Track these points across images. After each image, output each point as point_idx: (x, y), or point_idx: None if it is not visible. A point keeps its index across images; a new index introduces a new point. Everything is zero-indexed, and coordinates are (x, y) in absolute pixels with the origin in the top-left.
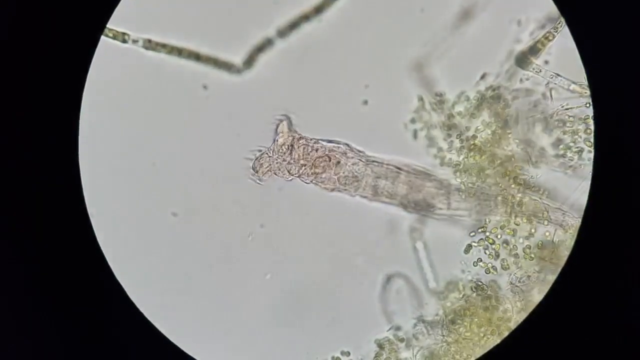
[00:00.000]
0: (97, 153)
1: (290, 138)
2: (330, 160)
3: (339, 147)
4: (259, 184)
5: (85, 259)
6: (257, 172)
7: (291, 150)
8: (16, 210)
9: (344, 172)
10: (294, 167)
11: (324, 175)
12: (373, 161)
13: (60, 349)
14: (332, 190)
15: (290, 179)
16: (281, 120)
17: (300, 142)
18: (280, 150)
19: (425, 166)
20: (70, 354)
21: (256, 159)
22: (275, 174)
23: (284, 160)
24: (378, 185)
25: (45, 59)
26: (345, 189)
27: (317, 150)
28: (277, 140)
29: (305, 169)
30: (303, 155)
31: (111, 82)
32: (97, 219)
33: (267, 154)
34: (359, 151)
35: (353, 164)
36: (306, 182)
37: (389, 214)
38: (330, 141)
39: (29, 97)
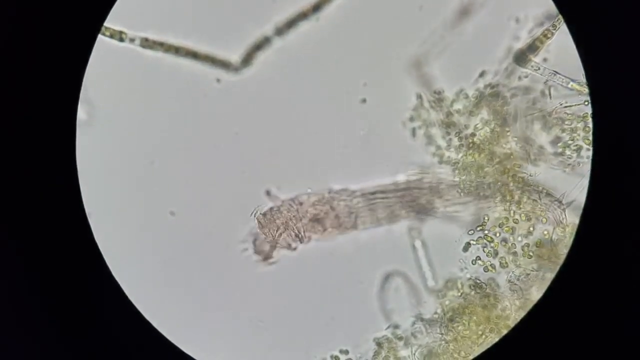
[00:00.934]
0: (95, 152)
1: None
2: (322, 209)
3: (322, 195)
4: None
5: (83, 258)
6: (266, 257)
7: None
8: (13, 210)
9: (340, 212)
10: (297, 233)
11: (327, 223)
12: (360, 194)
13: (58, 349)
14: (340, 232)
15: (295, 246)
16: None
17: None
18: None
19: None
20: (69, 354)
21: (256, 247)
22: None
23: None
24: (375, 211)
25: (42, 58)
26: (350, 227)
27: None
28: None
29: (306, 231)
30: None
31: (108, 81)
32: (95, 218)
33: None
34: (342, 190)
35: (344, 202)
36: (317, 239)
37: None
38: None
39: (26, 96)
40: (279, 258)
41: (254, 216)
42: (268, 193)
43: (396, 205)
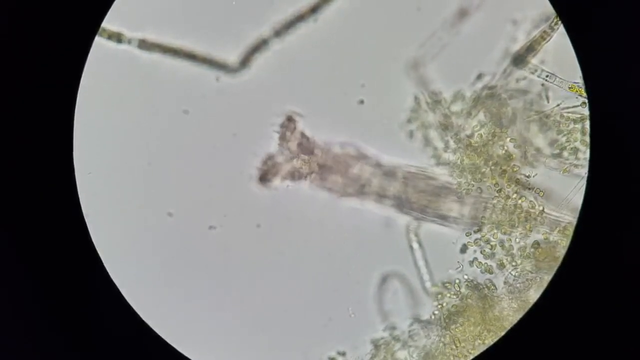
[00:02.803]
0: (92, 153)
1: (301, 141)
2: (338, 163)
3: (347, 149)
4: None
5: (81, 260)
6: (268, 181)
7: (302, 152)
8: (11, 212)
9: (353, 174)
10: (307, 166)
11: (332, 179)
12: (380, 164)
13: (55, 350)
14: (342, 195)
15: (299, 181)
16: (287, 120)
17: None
18: (293, 154)
19: (424, 167)
20: (66, 355)
21: (263, 170)
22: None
23: (298, 161)
24: (386, 189)
25: (39, 59)
26: (355, 194)
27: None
28: (287, 144)
29: (318, 167)
30: (316, 153)
31: (106, 83)
32: (93, 220)
33: (274, 160)
34: (369, 155)
35: (362, 167)
36: (318, 187)
37: (386, 214)
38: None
39: (23, 97)
40: (276, 186)
41: (289, 118)
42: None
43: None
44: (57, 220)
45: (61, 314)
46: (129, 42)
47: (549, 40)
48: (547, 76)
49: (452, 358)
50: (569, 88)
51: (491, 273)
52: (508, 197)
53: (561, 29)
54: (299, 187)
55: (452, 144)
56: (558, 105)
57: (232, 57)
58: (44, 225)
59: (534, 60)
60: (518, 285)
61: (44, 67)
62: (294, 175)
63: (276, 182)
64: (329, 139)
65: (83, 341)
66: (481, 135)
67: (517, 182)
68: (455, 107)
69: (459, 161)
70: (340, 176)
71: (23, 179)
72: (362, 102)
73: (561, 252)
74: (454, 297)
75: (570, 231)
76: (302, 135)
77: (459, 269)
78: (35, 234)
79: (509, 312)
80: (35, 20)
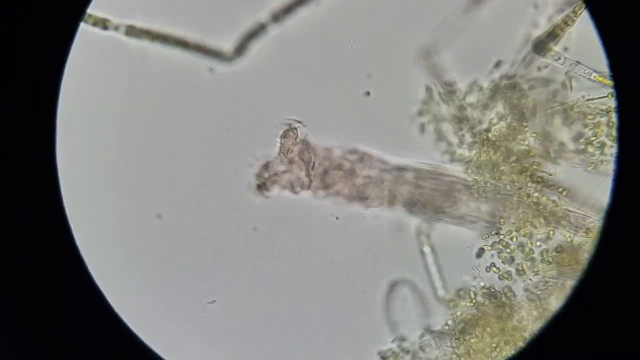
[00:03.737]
0: (76, 150)
1: (297, 147)
2: (342, 170)
3: (352, 154)
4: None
5: (64, 263)
6: (267, 190)
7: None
8: None
9: (359, 182)
10: (307, 175)
11: (337, 187)
12: (387, 168)
13: (39, 357)
14: (349, 201)
15: (299, 192)
16: (287, 131)
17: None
18: (291, 161)
19: (436, 164)
20: None
21: (263, 177)
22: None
23: (297, 170)
24: (395, 193)
25: (21, 48)
26: (361, 200)
27: (325, 158)
28: (287, 152)
29: (316, 179)
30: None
31: (91, 73)
32: (76, 221)
33: (272, 167)
34: (373, 157)
35: (368, 172)
36: (321, 197)
37: (397, 217)
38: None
39: (2, 90)
40: (274, 194)
41: (289, 128)
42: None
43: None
44: (38, 220)
45: (42, 320)
46: (116, 28)
47: (572, 25)
48: (571, 65)
49: None
50: (595, 77)
51: (510, 279)
52: (528, 195)
53: (585, 13)
54: (301, 198)
55: (467, 138)
56: (583, 96)
57: (226, 44)
58: (24, 226)
59: (556, 48)
60: (538, 292)
61: (26, 57)
62: (294, 185)
63: (274, 191)
64: (330, 143)
65: (66, 346)
66: (499, 129)
67: (539, 180)
68: (471, 99)
69: (475, 157)
70: (345, 182)
71: (4, 180)
72: (368, 93)
73: (585, 255)
74: (469, 305)
75: (595, 233)
76: (303, 142)
77: (475, 275)
78: (16, 236)
79: (529, 321)
80: (19, 6)
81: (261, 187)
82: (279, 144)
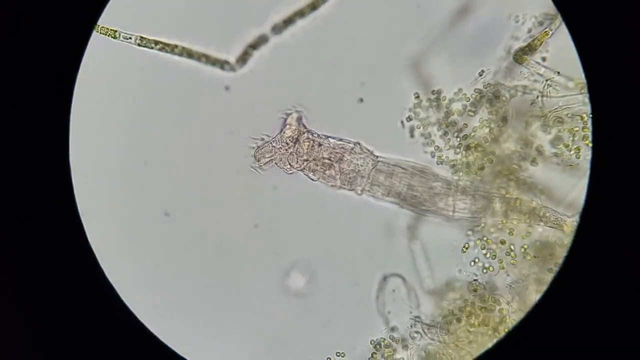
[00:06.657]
0: (89, 152)
1: (297, 132)
2: (332, 160)
3: (346, 144)
4: (259, 172)
5: (77, 259)
6: (258, 161)
7: (295, 143)
8: (6, 210)
9: (347, 167)
10: (296, 160)
11: (327, 172)
12: (379, 160)
13: (50, 348)
14: (339, 187)
15: (291, 171)
16: (291, 113)
17: (305, 136)
18: (285, 142)
19: (426, 164)
20: (61, 355)
21: (259, 147)
22: (277, 165)
23: (287, 151)
24: (382, 183)
25: (36, 56)
26: (351, 187)
27: (320, 145)
28: (284, 132)
29: (308, 164)
30: (307, 150)
31: (103, 80)
32: (89, 219)
33: (270, 144)
34: (368, 150)
35: (357, 161)
36: (312, 179)
37: (387, 215)
38: (340, 139)
39: (19, 94)
40: (269, 168)
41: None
42: (300, 113)
43: (402, 184)
44: (53, 218)
45: (56, 313)
46: (127, 39)
47: (551, 37)
48: (549, 73)
49: (453, 358)
50: (571, 85)
51: (492, 273)
52: (509, 195)
53: (563, 26)
54: (294, 176)
55: (453, 142)
56: (560, 103)
57: (228, 53)
58: (39, 224)
59: (535, 58)
60: (518, 285)
61: (41, 65)
62: (290, 160)
63: (268, 159)
64: (326, 133)
65: (78, 340)
66: (482, 134)
67: (518, 180)
68: (456, 105)
69: (459, 160)
70: (336, 169)
71: (19, 177)
72: (361, 100)
73: (562, 251)
74: (455, 297)
75: (571, 230)
76: (303, 125)
77: (460, 269)
78: (30, 232)
79: (509, 313)
80: (33, 15)
81: (259, 162)
82: (283, 125)
